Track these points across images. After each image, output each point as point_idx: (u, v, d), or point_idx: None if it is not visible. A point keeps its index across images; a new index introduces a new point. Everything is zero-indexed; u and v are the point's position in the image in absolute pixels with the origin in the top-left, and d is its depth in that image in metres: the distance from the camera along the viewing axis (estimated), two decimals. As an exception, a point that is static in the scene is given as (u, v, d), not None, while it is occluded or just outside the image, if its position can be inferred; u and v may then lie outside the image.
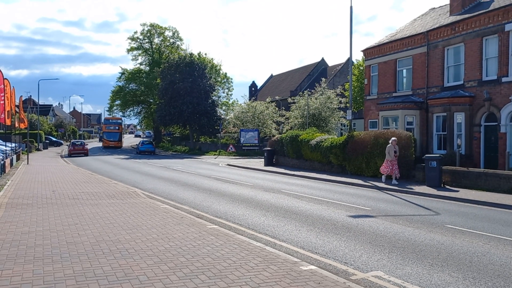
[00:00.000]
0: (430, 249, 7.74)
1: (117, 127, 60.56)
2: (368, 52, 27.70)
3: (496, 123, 19.32)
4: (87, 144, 47.91)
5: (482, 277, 6.27)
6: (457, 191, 15.27)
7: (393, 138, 17.91)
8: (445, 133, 21.33)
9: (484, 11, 20.02)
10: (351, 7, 21.10)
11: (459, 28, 21.23)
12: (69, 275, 5.64)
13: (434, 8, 27.76)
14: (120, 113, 68.13)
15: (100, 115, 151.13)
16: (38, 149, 49.60)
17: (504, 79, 18.91)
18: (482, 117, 20.07)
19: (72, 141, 49.83)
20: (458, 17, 21.69)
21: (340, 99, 39.32)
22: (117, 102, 64.67)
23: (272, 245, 7.86)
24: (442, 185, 16.37)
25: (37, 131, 52.96)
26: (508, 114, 18.72)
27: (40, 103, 75.03)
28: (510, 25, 18.53)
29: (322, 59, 62.02)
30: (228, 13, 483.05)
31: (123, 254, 6.66)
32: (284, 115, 42.68)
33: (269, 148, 28.60)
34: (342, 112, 38.63)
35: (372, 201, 13.47)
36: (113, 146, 57.43)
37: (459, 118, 20.69)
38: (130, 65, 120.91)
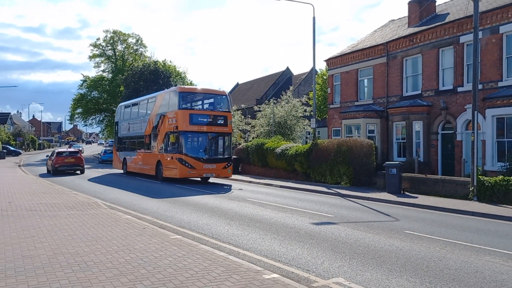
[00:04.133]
0: (389, 254, 7.94)
1: (221, 119, 22.03)
2: (331, 62, 28.26)
3: (453, 131, 20.08)
4: (82, 152, 35.85)
5: (438, 281, 6.47)
6: (416, 197, 15.73)
7: None
8: (405, 141, 21.99)
9: (440, 23, 20.86)
10: (313, 18, 21.56)
11: (416, 40, 22.01)
12: (23, 290, 5.43)
13: (393, 20, 28.70)
14: (82, 122, 65.81)
15: (60, 123, 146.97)
16: (-6, 159, 47.52)
17: (459, 89, 19.71)
18: (439, 125, 20.82)
19: (57, 150, 31.28)
20: (416, 29, 22.50)
21: (305, 107, 39.85)
22: (79, 110, 62.79)
23: (235, 254, 7.85)
24: (402, 192, 16.82)
25: (-7, 140, 50.80)
26: (463, 122, 19.50)
27: (-3, 111, 72.12)
28: (465, 37, 19.36)
29: (287, 68, 62.74)
30: (193, 22, 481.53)
31: (82, 267, 6.48)
32: (250, 123, 42.82)
33: (234, 156, 28.58)
34: (307, 120, 39.10)
35: (335, 208, 13.68)
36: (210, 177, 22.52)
37: (418, 126, 21.39)
38: (93, 73, 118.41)
